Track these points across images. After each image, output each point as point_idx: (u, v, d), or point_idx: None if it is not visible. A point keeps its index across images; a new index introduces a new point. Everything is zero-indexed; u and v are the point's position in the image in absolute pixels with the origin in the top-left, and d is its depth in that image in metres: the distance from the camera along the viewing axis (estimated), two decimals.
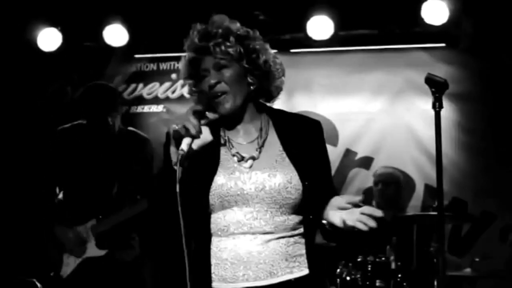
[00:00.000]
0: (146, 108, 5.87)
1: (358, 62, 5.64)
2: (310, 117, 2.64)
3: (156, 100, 5.89)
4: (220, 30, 2.38)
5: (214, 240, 2.41)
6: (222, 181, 2.38)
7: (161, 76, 5.89)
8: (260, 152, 2.47)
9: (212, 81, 2.38)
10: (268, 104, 2.59)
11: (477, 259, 4.89)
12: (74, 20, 5.39)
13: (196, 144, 2.30)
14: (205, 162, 2.43)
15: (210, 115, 2.40)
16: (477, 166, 5.42)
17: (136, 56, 5.83)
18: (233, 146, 2.49)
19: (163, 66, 5.89)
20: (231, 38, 2.38)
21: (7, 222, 5.29)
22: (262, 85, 2.47)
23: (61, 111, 4.84)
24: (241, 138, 2.51)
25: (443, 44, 5.59)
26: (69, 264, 4.07)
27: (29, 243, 4.84)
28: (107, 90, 4.26)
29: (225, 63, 2.39)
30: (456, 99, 5.36)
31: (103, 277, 4.03)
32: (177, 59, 5.52)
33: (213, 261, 2.41)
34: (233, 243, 2.38)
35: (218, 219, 2.40)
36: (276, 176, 2.39)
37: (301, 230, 2.43)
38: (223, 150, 2.48)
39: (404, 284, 4.54)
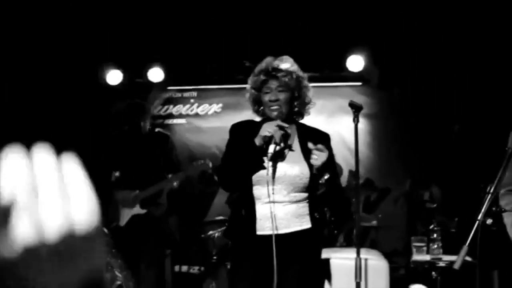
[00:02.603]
0: (175, 121, 5.91)
1: None
2: (323, 131, 2.62)
3: (180, 116, 5.92)
4: (290, 68, 2.46)
5: (249, 204, 2.45)
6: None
7: (184, 100, 5.92)
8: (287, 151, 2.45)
9: (273, 98, 2.44)
10: (301, 119, 2.60)
11: (380, 215, 5.10)
12: (129, 64, 5.46)
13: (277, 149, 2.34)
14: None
15: (289, 130, 2.38)
16: (380, 158, 5.57)
17: (168, 88, 5.86)
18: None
19: (185, 94, 5.92)
20: (293, 75, 2.45)
21: None
22: (299, 108, 2.54)
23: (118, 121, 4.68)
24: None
25: (360, 83, 5.68)
26: (125, 216, 4.09)
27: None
28: (137, 105, 4.28)
29: (283, 89, 2.45)
30: (368, 118, 5.51)
31: (144, 226, 4.08)
32: (195, 90, 5.89)
33: (246, 216, 2.44)
34: (262, 207, 2.41)
35: (255, 191, 2.42)
36: (294, 168, 2.41)
37: (307, 200, 2.45)
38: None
39: (335, 232, 4.66)
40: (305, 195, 2.44)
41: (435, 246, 3.34)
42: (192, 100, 5.93)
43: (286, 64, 2.48)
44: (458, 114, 5.15)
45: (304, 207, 2.44)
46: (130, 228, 4.08)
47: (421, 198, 4.97)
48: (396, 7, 4.90)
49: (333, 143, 5.65)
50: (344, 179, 5.46)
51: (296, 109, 2.52)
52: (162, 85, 5.71)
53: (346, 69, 5.31)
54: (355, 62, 5.26)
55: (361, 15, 5.03)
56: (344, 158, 5.56)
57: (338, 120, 5.68)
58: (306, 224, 2.42)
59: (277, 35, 5.12)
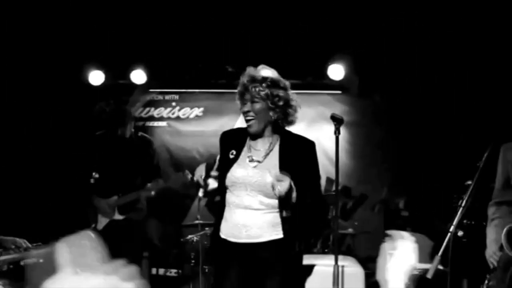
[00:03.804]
0: (156, 123, 5.84)
1: None
2: (307, 138, 2.56)
3: (161, 119, 5.85)
4: (259, 77, 2.40)
5: (226, 209, 2.44)
6: (234, 172, 2.42)
7: (166, 103, 5.87)
8: (264, 158, 2.45)
9: (245, 109, 2.44)
10: (286, 126, 2.52)
11: (356, 223, 5.12)
12: (112, 66, 5.41)
13: (208, 188, 2.41)
14: (231, 158, 2.45)
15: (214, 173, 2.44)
16: (358, 166, 5.58)
17: (150, 90, 5.80)
18: (250, 150, 2.48)
19: (167, 97, 5.87)
20: (264, 84, 2.39)
21: (61, 196, 5.10)
22: (280, 117, 2.45)
23: (101, 123, 4.67)
24: (259, 145, 2.48)
25: (340, 91, 5.67)
26: (102, 222, 4.09)
27: (77, 209, 4.63)
28: (118, 110, 4.21)
29: (256, 100, 2.41)
30: (347, 126, 5.48)
31: (122, 230, 4.07)
32: (177, 93, 5.82)
33: (224, 222, 2.43)
34: (238, 213, 2.40)
35: (230, 196, 2.43)
36: (266, 175, 2.38)
37: (279, 208, 2.40)
38: (243, 152, 2.47)
39: (312, 241, 4.70)
40: (277, 203, 2.41)
41: None
42: (173, 103, 5.87)
43: (259, 73, 2.45)
44: (436, 122, 5.19)
45: (277, 217, 2.42)
46: (108, 233, 4.02)
47: (397, 206, 5.00)
48: (379, 15, 4.95)
49: None
50: (321, 185, 5.48)
51: (275, 117, 2.46)
52: (144, 87, 5.67)
53: (327, 77, 5.33)
54: (336, 71, 5.29)
55: (343, 23, 5.07)
56: (322, 165, 5.17)
57: (317, 127, 5.66)
58: (280, 234, 2.40)
59: (259, 41, 5.14)
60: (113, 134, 4.20)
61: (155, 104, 5.90)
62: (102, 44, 5.23)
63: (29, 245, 3.40)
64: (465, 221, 2.29)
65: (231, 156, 2.46)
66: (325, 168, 5.44)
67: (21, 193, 5.12)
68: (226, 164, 2.45)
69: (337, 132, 2.83)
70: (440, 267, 2.22)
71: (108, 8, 5.02)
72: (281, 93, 2.44)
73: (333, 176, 5.02)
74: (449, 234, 2.20)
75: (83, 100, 5.41)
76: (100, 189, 4.09)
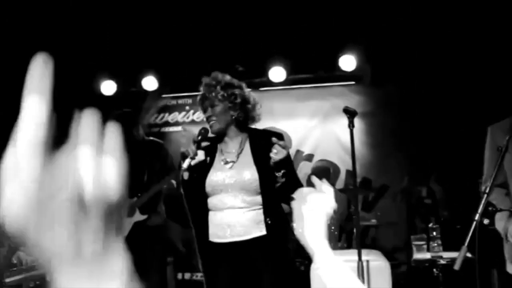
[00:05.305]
0: (170, 129, 5.87)
1: (302, 95, 5.66)
2: (274, 131, 2.66)
3: (176, 123, 5.88)
4: (213, 82, 2.50)
5: (210, 213, 2.49)
6: (213, 177, 2.49)
7: (179, 108, 5.89)
8: (238, 158, 2.51)
9: (206, 115, 2.51)
10: (252, 125, 2.61)
11: (378, 213, 5.07)
12: (123, 75, 5.42)
13: (193, 162, 2.41)
14: (206, 164, 2.51)
15: (205, 143, 2.47)
16: (377, 156, 5.47)
17: (163, 95, 5.80)
18: (223, 154, 2.54)
19: (180, 101, 5.89)
20: (218, 87, 2.47)
21: None
22: (242, 115, 2.54)
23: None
24: (230, 147, 2.54)
25: (353, 82, 5.61)
26: (125, 228, 4.23)
27: None
28: (125, 115, 4.15)
29: (216, 103, 2.49)
30: (363, 116, 5.40)
31: (145, 235, 3.99)
32: (190, 97, 5.81)
33: (209, 224, 2.48)
34: (221, 214, 2.45)
35: (211, 200, 2.48)
36: (244, 173, 2.45)
37: (262, 205, 2.45)
38: (217, 156, 2.53)
39: (332, 228, 4.52)
40: (259, 200, 2.46)
41: (435, 244, 3.31)
42: (187, 107, 5.87)
43: (210, 80, 2.54)
44: (452, 109, 5.10)
45: (260, 213, 2.46)
46: (133, 238, 3.94)
47: (419, 194, 4.93)
48: (387, 3, 4.86)
49: (329, 143, 5.72)
50: (342, 179, 5.46)
51: (236, 116, 2.53)
52: (156, 93, 5.66)
53: (339, 68, 5.26)
54: (347, 62, 5.21)
55: (351, 13, 4.98)
56: (340, 158, 5.52)
57: (333, 120, 5.61)
58: (263, 231, 2.44)
59: (269, 39, 5.08)
60: (124, 140, 4.16)
61: (169, 109, 5.92)
62: (111, 54, 5.22)
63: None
64: (490, 208, 2.22)
65: (206, 163, 2.52)
66: (344, 161, 5.47)
67: None
68: (202, 171, 2.50)
69: (351, 125, 2.77)
70: (469, 255, 2.15)
71: (115, 18, 4.99)
72: (236, 91, 2.52)
73: (351, 167, 5.14)
74: (474, 222, 2.13)
75: (98, 110, 5.39)
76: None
